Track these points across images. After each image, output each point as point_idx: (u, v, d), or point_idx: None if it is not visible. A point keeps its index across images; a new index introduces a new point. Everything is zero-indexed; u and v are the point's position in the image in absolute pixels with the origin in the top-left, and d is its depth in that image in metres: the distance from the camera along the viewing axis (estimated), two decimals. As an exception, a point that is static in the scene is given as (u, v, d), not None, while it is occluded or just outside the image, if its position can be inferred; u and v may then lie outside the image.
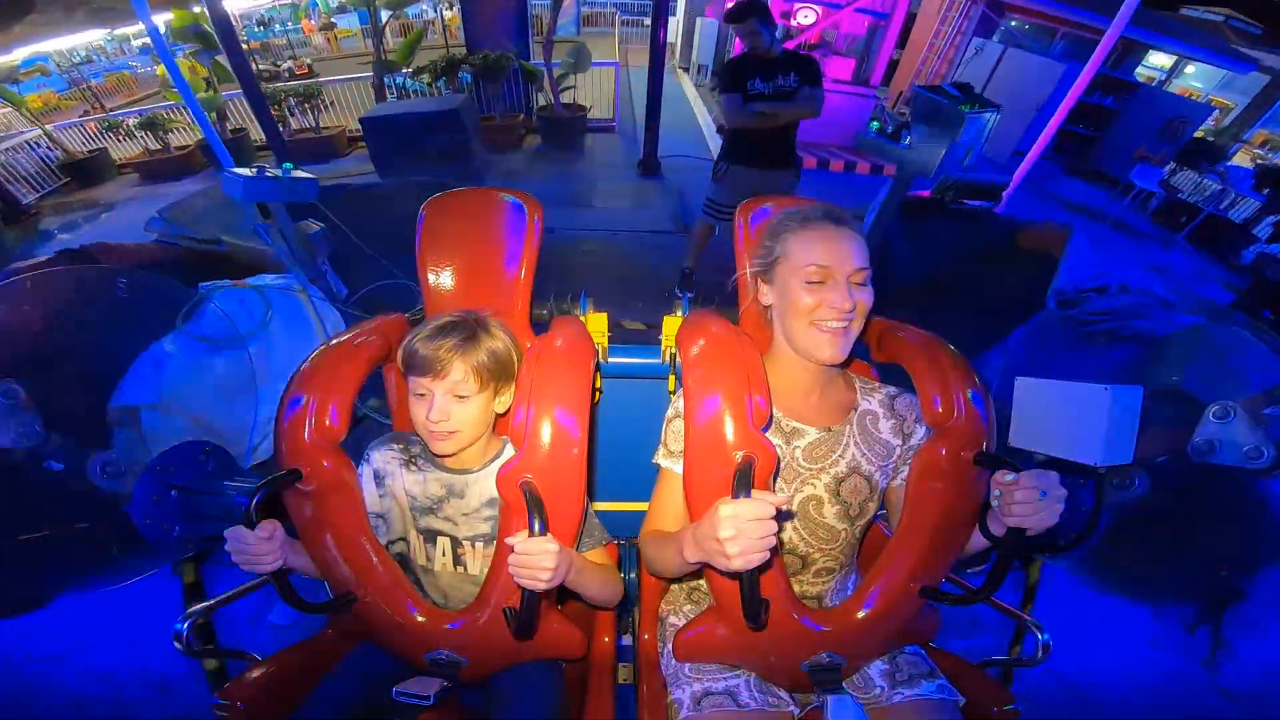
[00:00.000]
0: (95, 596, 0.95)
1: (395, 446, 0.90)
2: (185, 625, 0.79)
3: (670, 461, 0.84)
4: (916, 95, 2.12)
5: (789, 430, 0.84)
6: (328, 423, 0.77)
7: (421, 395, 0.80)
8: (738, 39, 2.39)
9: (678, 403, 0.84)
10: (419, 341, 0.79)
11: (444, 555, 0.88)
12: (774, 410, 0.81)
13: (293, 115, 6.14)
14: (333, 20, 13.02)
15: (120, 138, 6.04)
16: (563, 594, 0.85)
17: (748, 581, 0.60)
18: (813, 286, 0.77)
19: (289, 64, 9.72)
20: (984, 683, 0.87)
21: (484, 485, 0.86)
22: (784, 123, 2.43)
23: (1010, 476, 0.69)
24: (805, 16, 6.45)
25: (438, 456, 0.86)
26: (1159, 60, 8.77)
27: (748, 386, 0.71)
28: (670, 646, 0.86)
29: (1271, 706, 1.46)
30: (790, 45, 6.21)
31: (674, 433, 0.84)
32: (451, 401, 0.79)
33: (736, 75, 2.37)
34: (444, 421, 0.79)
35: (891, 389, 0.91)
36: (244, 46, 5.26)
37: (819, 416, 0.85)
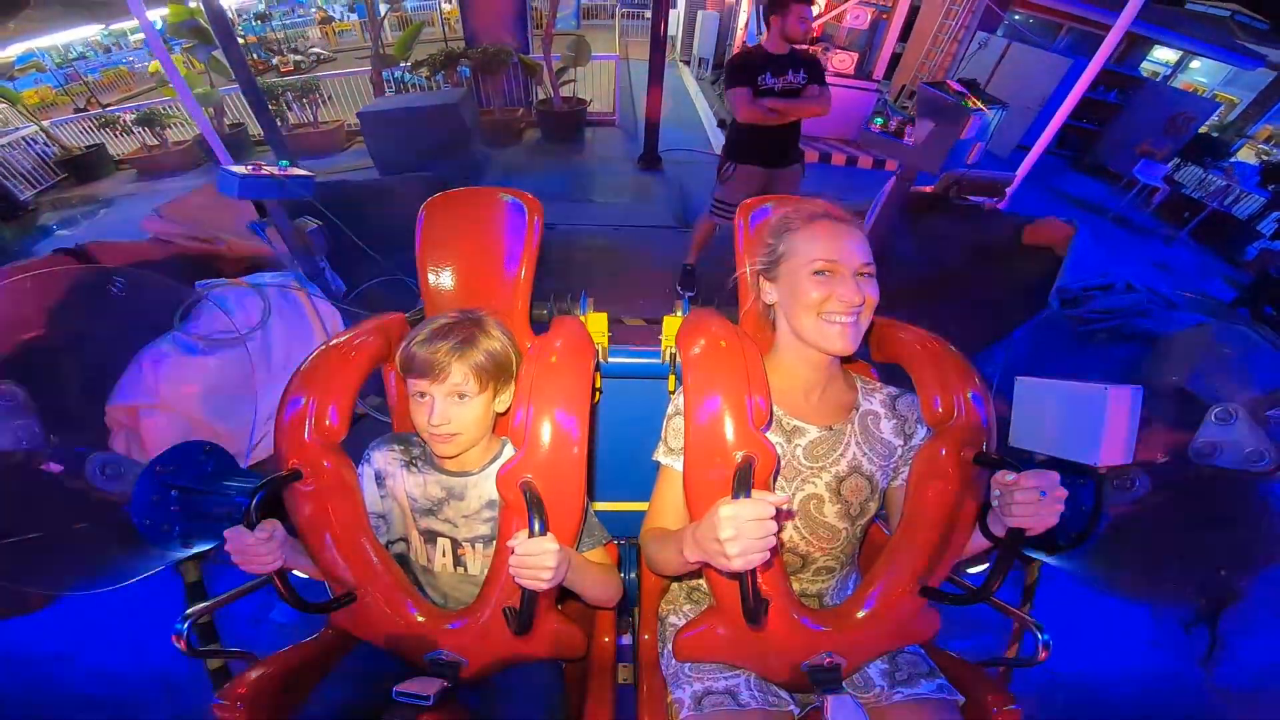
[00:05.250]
0: (99, 596, 0.95)
1: (396, 447, 0.90)
2: (185, 625, 0.79)
3: (670, 459, 0.84)
4: (921, 91, 2.10)
5: (790, 429, 0.84)
6: (328, 423, 0.77)
7: (422, 399, 0.79)
8: (782, 19, 2.22)
9: (678, 400, 0.84)
10: (417, 344, 0.79)
11: (444, 556, 0.88)
12: (775, 409, 0.81)
13: (291, 110, 6.10)
14: (330, 14, 12.93)
15: (117, 133, 6.01)
16: (563, 594, 0.85)
17: (748, 582, 0.60)
18: (820, 280, 0.77)
19: (277, 59, 9.60)
20: (984, 683, 0.87)
21: (484, 487, 0.86)
22: (793, 119, 2.40)
23: (1010, 476, 0.69)
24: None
25: (439, 458, 0.86)
26: (1164, 55, 8.70)
27: (748, 386, 0.71)
28: (670, 646, 0.86)
29: (1267, 705, 1.47)
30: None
31: (674, 430, 0.84)
32: (452, 404, 0.79)
33: (747, 69, 2.33)
34: (445, 424, 0.78)
35: (893, 389, 0.91)
36: (241, 41, 5.21)
37: (820, 415, 0.85)
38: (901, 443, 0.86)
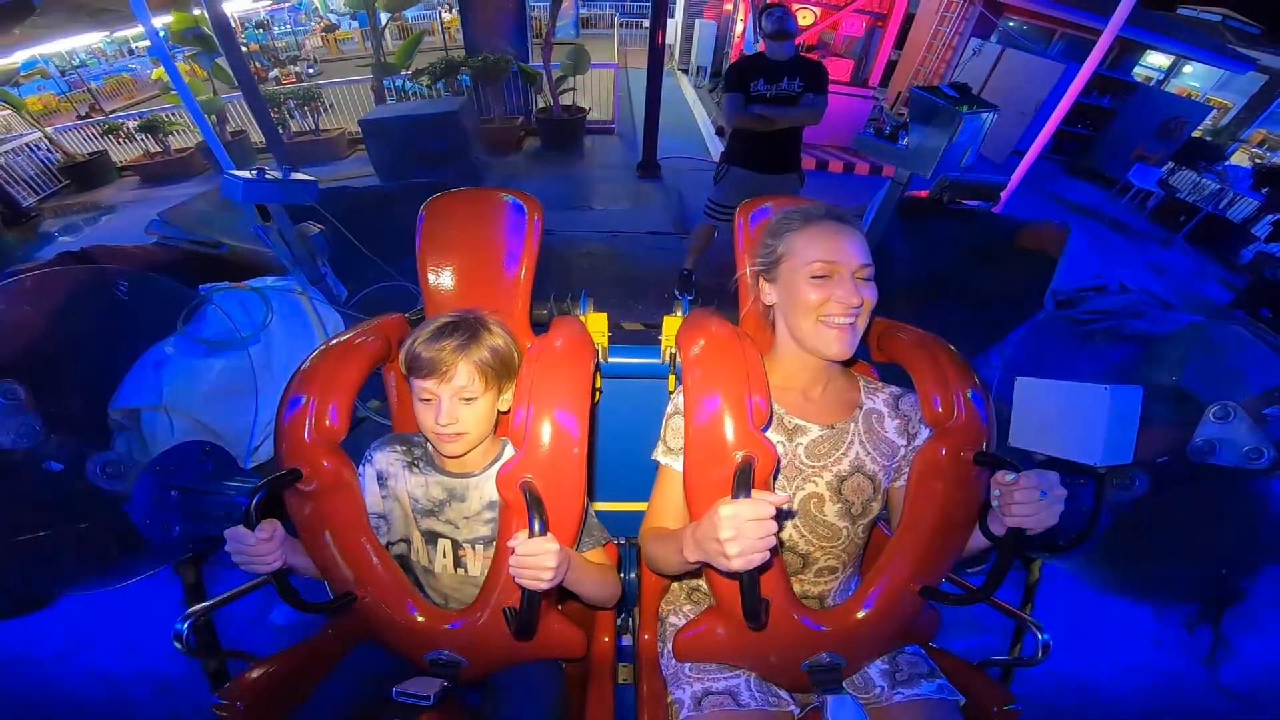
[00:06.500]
0: (97, 597, 0.95)
1: (399, 448, 0.90)
2: (185, 625, 0.79)
3: (670, 459, 0.84)
4: (914, 96, 2.12)
5: (791, 427, 0.84)
6: (328, 423, 0.77)
7: (428, 399, 0.79)
8: (769, 29, 2.28)
9: (677, 399, 0.84)
10: (420, 344, 0.79)
11: (445, 557, 0.88)
12: (776, 407, 0.81)
13: (292, 118, 6.15)
14: (334, 22, 13.05)
15: (120, 140, 6.05)
16: (562, 594, 0.85)
17: (748, 581, 0.60)
18: (819, 282, 0.77)
19: (275, 72, 9.62)
20: (984, 683, 0.87)
21: (485, 488, 0.86)
22: (781, 127, 2.43)
23: (1010, 476, 0.69)
24: (804, 17, 6.46)
25: (443, 458, 0.86)
26: (1157, 60, 8.78)
27: (748, 386, 0.71)
28: (670, 646, 0.86)
29: (1270, 705, 1.46)
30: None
31: (673, 429, 0.84)
32: (459, 404, 0.79)
33: (741, 75, 2.36)
34: (453, 424, 0.78)
35: (895, 389, 0.91)
36: (243, 49, 5.27)
37: (822, 414, 0.85)
38: (905, 443, 0.86)
